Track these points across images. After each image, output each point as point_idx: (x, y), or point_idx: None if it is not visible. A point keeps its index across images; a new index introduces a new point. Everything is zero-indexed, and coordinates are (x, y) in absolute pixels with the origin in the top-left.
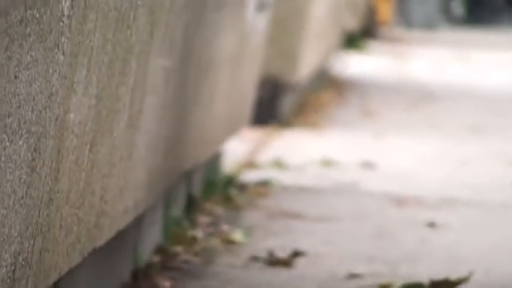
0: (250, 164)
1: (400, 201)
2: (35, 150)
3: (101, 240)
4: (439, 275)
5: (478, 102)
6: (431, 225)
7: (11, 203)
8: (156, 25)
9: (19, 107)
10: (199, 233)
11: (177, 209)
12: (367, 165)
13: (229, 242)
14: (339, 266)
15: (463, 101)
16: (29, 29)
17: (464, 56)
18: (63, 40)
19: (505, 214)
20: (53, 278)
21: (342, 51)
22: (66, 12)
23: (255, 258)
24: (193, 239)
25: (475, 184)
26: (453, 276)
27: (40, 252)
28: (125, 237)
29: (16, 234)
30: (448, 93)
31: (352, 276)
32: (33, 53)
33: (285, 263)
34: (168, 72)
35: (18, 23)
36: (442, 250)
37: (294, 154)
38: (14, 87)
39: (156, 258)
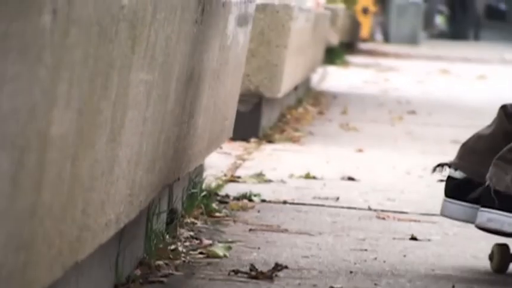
0: (232, 178)
1: (381, 215)
2: (18, 163)
3: (83, 253)
4: None
5: (459, 115)
6: (413, 238)
7: None
8: (138, 39)
9: (2, 120)
10: (180, 247)
11: (159, 223)
12: (348, 179)
13: (210, 256)
14: (320, 280)
15: (444, 114)
16: (12, 43)
17: (445, 70)
18: (45, 54)
19: None
20: None
21: (324, 65)
22: (48, 26)
23: (236, 272)
24: (175, 253)
25: None
26: None
27: (23, 265)
28: (107, 251)
29: None
30: (430, 106)
31: None
32: (16, 67)
33: (267, 276)
34: (150, 87)
35: (1, 37)
36: (424, 263)
37: (275, 168)
38: None
39: (138, 272)
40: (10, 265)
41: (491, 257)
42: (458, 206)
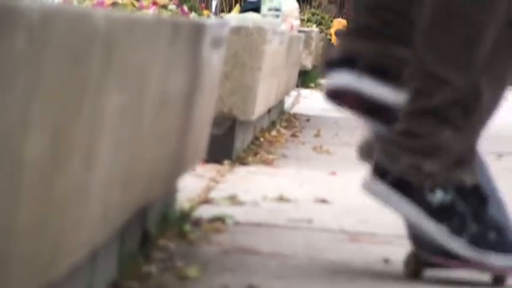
0: (205, 200)
1: (354, 237)
2: None
3: (56, 274)
4: None
5: None
6: (386, 261)
7: None
8: (112, 62)
9: None
10: (153, 269)
11: (132, 245)
12: (322, 201)
13: (183, 278)
14: None
15: None
16: None
17: None
18: (19, 76)
19: None
20: None
21: (298, 88)
22: (22, 48)
23: None
24: (148, 275)
25: None
26: None
27: None
28: (80, 272)
29: None
30: None
31: None
32: None
33: None
34: (123, 109)
35: None
36: (398, 286)
37: (248, 190)
38: None
39: None
40: None
41: (406, 264)
42: None
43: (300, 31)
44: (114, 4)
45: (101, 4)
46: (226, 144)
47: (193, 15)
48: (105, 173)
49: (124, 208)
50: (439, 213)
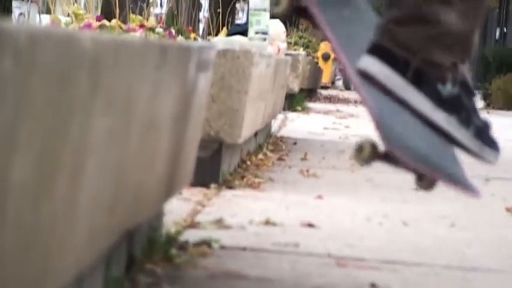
0: (191, 224)
1: (341, 262)
2: None
3: None
4: None
5: None
6: (373, 286)
7: None
8: (99, 84)
9: None
10: None
11: (118, 269)
12: (308, 225)
13: None
14: None
15: None
16: None
17: None
18: (6, 98)
19: (447, 275)
20: None
21: (285, 111)
22: (9, 71)
23: None
24: None
25: (416, 245)
26: None
27: None
28: None
29: None
30: None
31: None
32: None
33: None
34: (110, 132)
35: None
36: None
37: (234, 214)
38: None
39: None
40: None
41: (359, 149)
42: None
43: (287, 54)
44: (101, 27)
45: (89, 27)
46: (212, 168)
47: (180, 38)
48: (92, 196)
49: (110, 231)
50: (448, 105)
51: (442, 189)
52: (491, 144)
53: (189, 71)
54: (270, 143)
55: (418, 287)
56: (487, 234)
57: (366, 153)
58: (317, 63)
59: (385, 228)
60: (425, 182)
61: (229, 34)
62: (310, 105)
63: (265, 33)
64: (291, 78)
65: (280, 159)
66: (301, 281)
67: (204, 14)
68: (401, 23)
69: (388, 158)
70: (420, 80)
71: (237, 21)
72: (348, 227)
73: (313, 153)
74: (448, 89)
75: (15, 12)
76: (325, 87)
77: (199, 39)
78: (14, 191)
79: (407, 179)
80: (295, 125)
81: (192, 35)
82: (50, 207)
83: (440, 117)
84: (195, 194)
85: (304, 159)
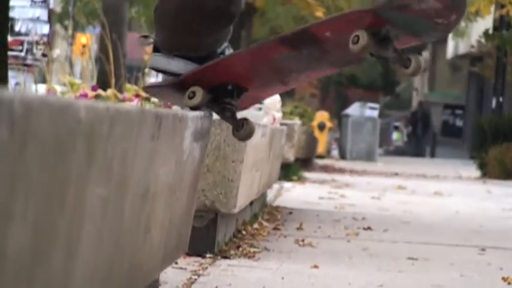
0: None
1: None
2: None
3: None
4: None
5: (415, 231)
6: None
7: None
8: (94, 154)
9: None
10: None
11: None
12: None
13: None
14: None
15: (400, 230)
16: None
17: (402, 186)
18: (1, 166)
19: None
20: None
21: (280, 181)
22: (5, 140)
23: None
24: None
25: None
26: None
27: None
28: None
29: None
30: (386, 222)
31: None
32: None
33: None
34: (106, 201)
35: None
36: None
37: (230, 284)
38: None
39: None
40: None
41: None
42: None
43: (282, 124)
44: (97, 96)
45: (84, 96)
46: (208, 237)
47: (175, 108)
48: (87, 265)
49: None
50: None
51: (438, 259)
52: None
53: (184, 140)
54: (265, 212)
55: None
56: None
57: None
58: (312, 132)
59: None
60: (242, 132)
61: None
62: (306, 174)
63: (260, 102)
64: (287, 148)
65: (275, 228)
66: None
67: None
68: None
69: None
70: None
71: None
72: None
73: (308, 223)
74: None
75: (12, 81)
76: (321, 157)
77: None
78: (9, 260)
79: (403, 248)
80: (291, 194)
81: None
82: (45, 277)
83: None
84: (191, 263)
85: (299, 228)
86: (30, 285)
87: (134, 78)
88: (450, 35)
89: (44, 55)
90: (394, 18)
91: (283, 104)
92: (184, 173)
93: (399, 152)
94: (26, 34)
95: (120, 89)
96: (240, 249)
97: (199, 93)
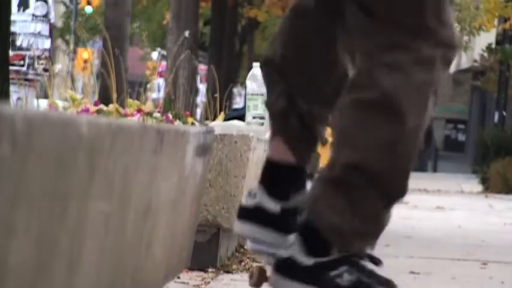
0: None
1: None
2: None
3: None
4: None
5: (417, 246)
6: None
7: None
8: (96, 169)
9: None
10: None
11: None
12: None
13: None
14: None
15: (402, 245)
16: None
17: (403, 200)
18: (3, 182)
19: None
20: None
21: None
22: (6, 154)
23: None
24: None
25: None
26: None
27: None
28: None
29: None
30: (387, 237)
31: None
32: None
33: None
34: (107, 216)
35: None
36: None
37: None
38: None
39: None
40: None
41: (250, 276)
42: None
43: None
44: (99, 111)
45: (86, 111)
46: (210, 252)
47: (178, 123)
48: (89, 280)
49: None
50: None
51: (439, 273)
52: None
53: (186, 155)
54: None
55: None
56: None
57: (255, 279)
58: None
59: None
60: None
61: (226, 119)
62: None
63: (262, 117)
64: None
65: None
66: None
67: (201, 98)
68: None
69: None
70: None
71: (235, 106)
72: None
73: None
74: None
75: (13, 96)
76: None
77: (197, 124)
78: (11, 275)
79: (405, 263)
80: None
81: (190, 120)
82: None
83: None
84: (193, 278)
85: None
86: None
87: (136, 94)
88: None
89: (45, 70)
90: None
91: None
92: (186, 188)
93: None
94: (28, 49)
95: (122, 104)
96: (242, 263)
97: None
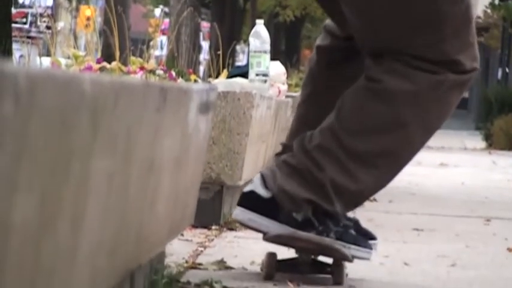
0: (193, 265)
1: None
2: None
3: None
4: None
5: (420, 202)
6: None
7: None
8: (99, 127)
9: None
10: None
11: None
12: None
13: None
14: None
15: (405, 201)
16: None
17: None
18: (6, 140)
19: None
20: None
21: None
22: (9, 112)
23: None
24: None
25: (417, 285)
26: None
27: None
28: None
29: None
30: (391, 194)
31: None
32: None
33: None
34: (111, 174)
35: None
36: None
37: (236, 255)
38: None
39: None
40: None
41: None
42: None
43: (287, 96)
44: (101, 69)
45: (89, 69)
46: (214, 209)
47: (181, 80)
48: (93, 237)
49: (111, 273)
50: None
51: (443, 230)
52: (359, 240)
53: (189, 113)
54: None
55: None
56: (489, 274)
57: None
58: None
59: (386, 268)
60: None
61: (229, 76)
62: None
63: (265, 75)
64: (292, 120)
65: None
66: None
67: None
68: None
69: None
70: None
71: (238, 63)
72: (348, 267)
73: None
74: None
75: (16, 54)
76: None
77: (200, 81)
78: (15, 231)
79: (408, 219)
80: None
81: (193, 77)
82: (51, 248)
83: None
84: (197, 235)
85: None
86: (36, 257)
87: (139, 51)
88: None
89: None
90: None
91: (288, 76)
92: (189, 146)
93: None
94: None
95: (124, 62)
96: None
97: None
